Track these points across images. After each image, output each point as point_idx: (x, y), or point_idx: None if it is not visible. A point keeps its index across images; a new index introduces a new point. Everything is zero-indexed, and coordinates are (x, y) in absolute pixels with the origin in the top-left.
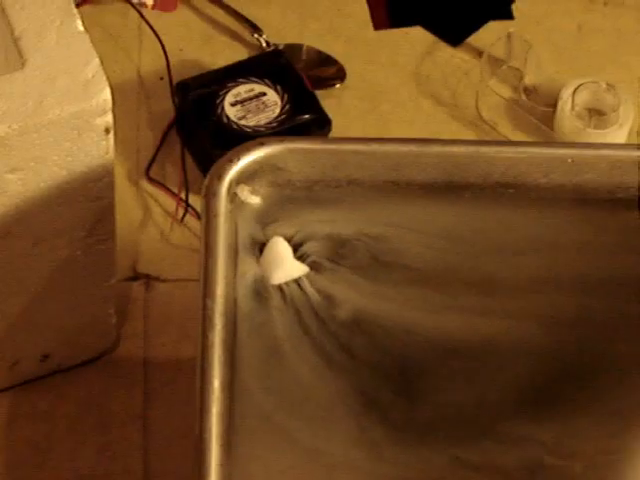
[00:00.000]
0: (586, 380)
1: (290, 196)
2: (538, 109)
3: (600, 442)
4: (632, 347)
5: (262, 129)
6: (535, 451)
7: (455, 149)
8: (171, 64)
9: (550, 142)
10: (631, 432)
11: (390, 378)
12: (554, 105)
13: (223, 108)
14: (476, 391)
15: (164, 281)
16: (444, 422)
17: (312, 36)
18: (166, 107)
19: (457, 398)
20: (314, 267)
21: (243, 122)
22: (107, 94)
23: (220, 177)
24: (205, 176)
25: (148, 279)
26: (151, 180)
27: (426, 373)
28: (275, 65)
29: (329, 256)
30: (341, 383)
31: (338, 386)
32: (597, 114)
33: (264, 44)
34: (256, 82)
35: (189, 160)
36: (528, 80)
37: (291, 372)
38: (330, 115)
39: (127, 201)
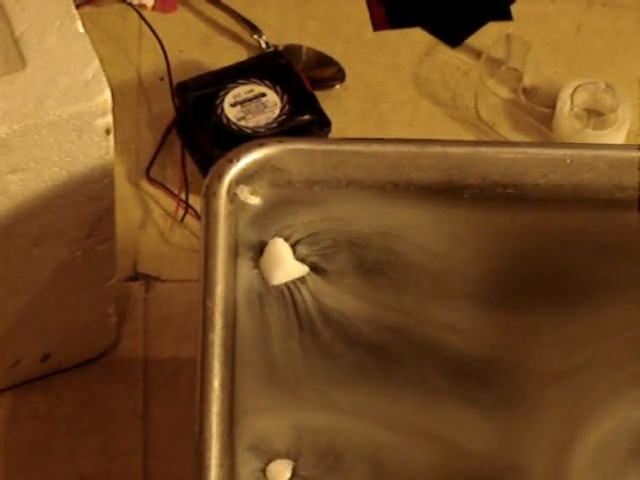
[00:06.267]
0: None
1: (290, 196)
2: (537, 110)
3: None
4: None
5: (262, 130)
6: None
7: (454, 150)
8: (171, 65)
9: (549, 143)
10: None
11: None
12: (553, 106)
13: (223, 109)
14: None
15: (164, 281)
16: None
17: (311, 37)
18: (166, 108)
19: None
20: (314, 267)
21: (243, 123)
22: (107, 95)
23: (220, 177)
24: (205, 176)
25: (148, 279)
26: (151, 180)
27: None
28: (275, 66)
29: (329, 257)
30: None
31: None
32: (596, 115)
33: (264, 45)
34: (256, 83)
35: (189, 160)
36: (527, 81)
37: (289, 372)
38: (330, 116)
39: (127, 201)
